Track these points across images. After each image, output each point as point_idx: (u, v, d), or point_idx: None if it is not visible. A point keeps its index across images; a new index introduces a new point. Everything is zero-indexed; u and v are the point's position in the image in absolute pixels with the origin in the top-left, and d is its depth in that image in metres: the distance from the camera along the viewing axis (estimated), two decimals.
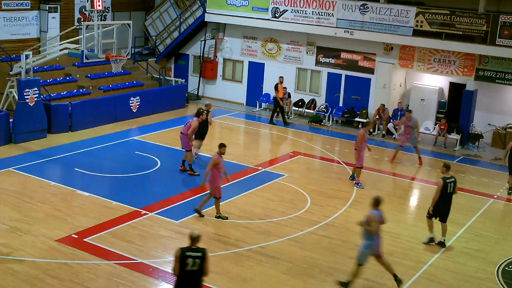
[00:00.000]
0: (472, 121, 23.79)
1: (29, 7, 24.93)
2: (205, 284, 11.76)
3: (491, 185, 19.13)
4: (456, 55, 23.26)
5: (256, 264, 12.89)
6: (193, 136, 18.25)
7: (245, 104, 28.07)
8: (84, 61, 19.99)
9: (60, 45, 21.45)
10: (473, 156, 22.30)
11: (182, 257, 9.40)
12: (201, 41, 28.30)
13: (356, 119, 25.25)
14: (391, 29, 23.68)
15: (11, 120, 20.05)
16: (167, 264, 12.40)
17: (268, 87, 27.02)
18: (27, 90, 20.11)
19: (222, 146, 14.72)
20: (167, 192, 16.75)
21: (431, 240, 14.43)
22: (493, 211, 17.14)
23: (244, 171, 18.90)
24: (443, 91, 24.95)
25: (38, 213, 14.73)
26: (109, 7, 28.29)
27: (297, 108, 26.56)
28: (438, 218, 14.24)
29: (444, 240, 14.34)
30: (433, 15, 22.92)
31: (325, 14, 24.88)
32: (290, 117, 26.23)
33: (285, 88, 25.57)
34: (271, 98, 26.16)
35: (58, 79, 24.09)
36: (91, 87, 24.43)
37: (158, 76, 27.45)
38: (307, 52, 26.37)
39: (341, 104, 26.00)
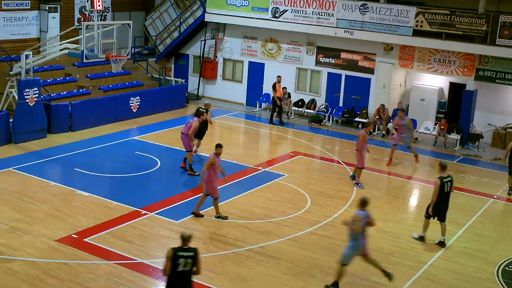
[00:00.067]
0: (472, 121, 23.80)
1: (29, 7, 24.93)
2: (205, 284, 11.81)
3: (491, 185, 19.13)
4: (456, 55, 23.26)
5: (256, 264, 12.89)
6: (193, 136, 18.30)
7: (245, 104, 28.08)
8: (84, 61, 19.99)
9: (60, 45, 21.46)
10: (473, 156, 22.30)
11: (174, 257, 9.37)
12: (201, 41, 28.31)
13: (356, 119, 25.25)
14: (391, 29, 23.68)
15: (11, 120, 20.05)
16: None
17: (268, 87, 27.01)
18: (27, 90, 20.11)
19: (218, 146, 14.74)
20: (167, 192, 16.75)
21: (421, 238, 14.50)
22: (493, 211, 17.14)
23: (244, 171, 18.90)
24: (443, 91, 24.95)
25: (38, 213, 14.74)
26: (109, 7, 28.29)
27: (297, 108, 26.56)
28: (436, 218, 14.26)
29: (444, 239, 14.35)
30: (433, 15, 22.93)
31: (325, 14, 24.88)
32: (290, 117, 26.25)
33: (285, 88, 25.57)
34: (271, 98, 26.16)
35: (58, 79, 24.09)
36: (91, 87, 24.43)
37: (158, 76, 27.45)
38: (307, 52, 26.37)
39: (341, 104, 26.01)
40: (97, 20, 21.69)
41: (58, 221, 14.35)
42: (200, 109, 18.93)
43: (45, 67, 23.89)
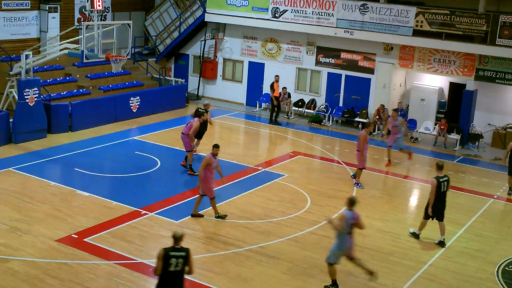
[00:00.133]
0: (472, 121, 23.80)
1: (29, 7, 24.93)
2: (205, 284, 11.82)
3: (491, 185, 19.13)
4: (456, 55, 23.26)
5: (256, 264, 12.89)
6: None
7: (245, 104, 28.08)
8: (84, 61, 19.99)
9: (60, 45, 21.45)
10: (473, 156, 22.30)
11: (165, 257, 9.33)
12: (201, 41, 28.31)
13: (356, 119, 25.25)
14: (391, 29, 23.68)
15: (11, 120, 20.05)
16: None
17: (268, 87, 26.99)
18: (27, 90, 20.11)
19: (215, 147, 14.72)
20: (167, 192, 16.75)
21: (416, 236, 14.53)
22: (493, 211, 17.14)
23: (244, 171, 18.90)
24: (443, 91, 24.95)
25: (38, 213, 14.74)
26: (109, 7, 28.29)
27: (297, 108, 26.56)
28: (435, 218, 14.25)
29: (444, 239, 14.35)
30: (433, 15, 22.93)
31: (325, 14, 24.89)
32: (290, 117, 26.25)
33: (285, 88, 25.59)
34: (270, 98, 26.16)
35: (58, 79, 24.09)
36: (91, 87, 24.43)
37: (158, 76, 27.45)
38: (307, 52, 26.37)
39: (341, 104, 26.01)
40: (97, 20, 21.69)
41: (58, 221, 14.35)
42: (199, 110, 18.93)
43: (45, 67, 23.89)
